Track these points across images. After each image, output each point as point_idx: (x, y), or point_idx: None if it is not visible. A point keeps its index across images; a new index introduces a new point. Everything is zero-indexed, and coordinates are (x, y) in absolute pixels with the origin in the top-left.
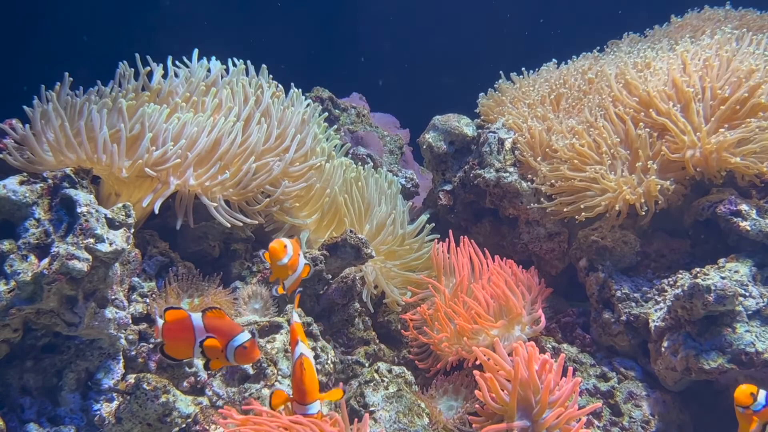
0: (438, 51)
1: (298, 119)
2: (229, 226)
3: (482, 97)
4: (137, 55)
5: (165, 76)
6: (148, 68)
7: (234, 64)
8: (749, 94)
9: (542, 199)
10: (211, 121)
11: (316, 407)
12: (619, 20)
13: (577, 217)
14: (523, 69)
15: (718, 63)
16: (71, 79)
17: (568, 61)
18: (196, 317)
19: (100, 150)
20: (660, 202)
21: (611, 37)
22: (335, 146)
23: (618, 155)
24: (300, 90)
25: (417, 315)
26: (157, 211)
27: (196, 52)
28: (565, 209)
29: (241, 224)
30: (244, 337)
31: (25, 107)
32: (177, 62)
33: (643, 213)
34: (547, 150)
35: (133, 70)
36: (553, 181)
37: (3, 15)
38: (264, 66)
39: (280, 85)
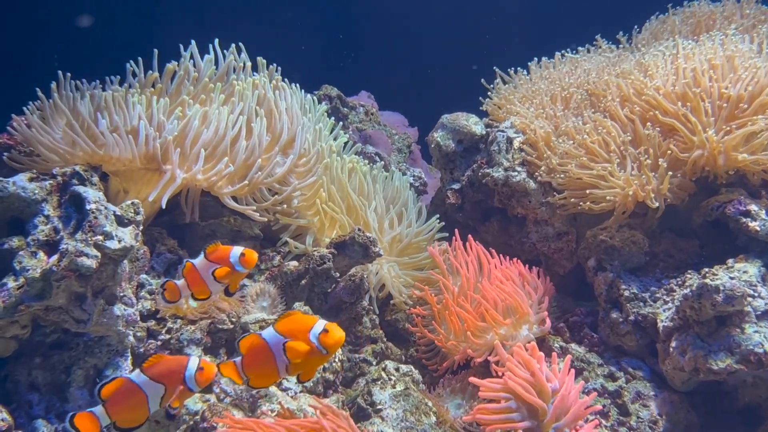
0: (446, 49)
1: (299, 117)
2: (251, 214)
3: (488, 100)
4: (156, 51)
5: (174, 72)
6: (155, 74)
7: (236, 59)
8: (757, 92)
9: (550, 198)
10: (216, 116)
11: None
12: (621, 15)
13: (583, 204)
14: (530, 64)
15: (722, 62)
16: (69, 73)
17: (575, 52)
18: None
19: (110, 143)
20: (668, 199)
21: (617, 30)
22: (345, 144)
23: (627, 153)
24: (298, 85)
25: (426, 311)
26: (164, 206)
27: (210, 51)
28: (572, 200)
29: (253, 210)
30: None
31: (29, 105)
32: (184, 58)
33: (655, 207)
34: (553, 148)
35: (139, 66)
36: (560, 176)
37: (11, 13)
38: (274, 65)
39: (288, 84)
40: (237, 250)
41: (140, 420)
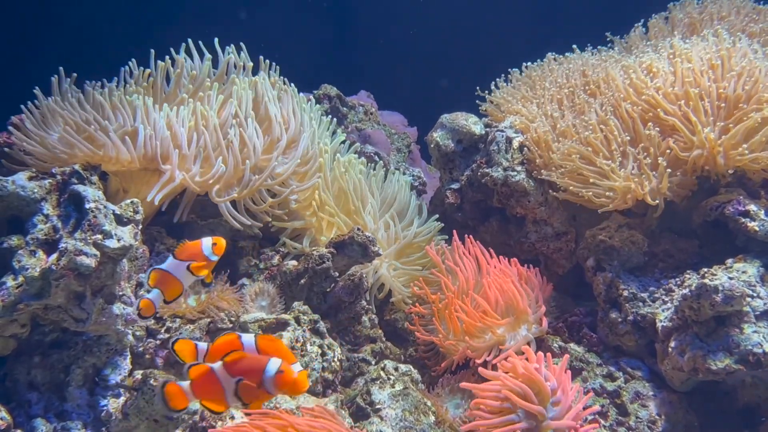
0: (446, 49)
1: (300, 118)
2: (240, 228)
3: (488, 98)
4: (152, 51)
5: (169, 72)
6: (148, 70)
7: (236, 58)
8: (754, 91)
9: (550, 190)
10: (214, 117)
11: None
12: (622, 15)
13: (585, 193)
14: (529, 64)
15: (721, 62)
16: (75, 74)
17: (573, 52)
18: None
19: (108, 145)
20: (668, 197)
21: (618, 30)
22: (343, 144)
23: (628, 153)
24: (293, 84)
25: (426, 310)
26: (156, 202)
27: (211, 50)
28: (571, 188)
29: (248, 224)
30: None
31: (27, 105)
32: (183, 57)
33: (655, 203)
34: (552, 147)
35: (140, 67)
36: (560, 172)
37: (12, 12)
38: (272, 64)
39: (288, 82)
40: (207, 241)
41: (222, 407)
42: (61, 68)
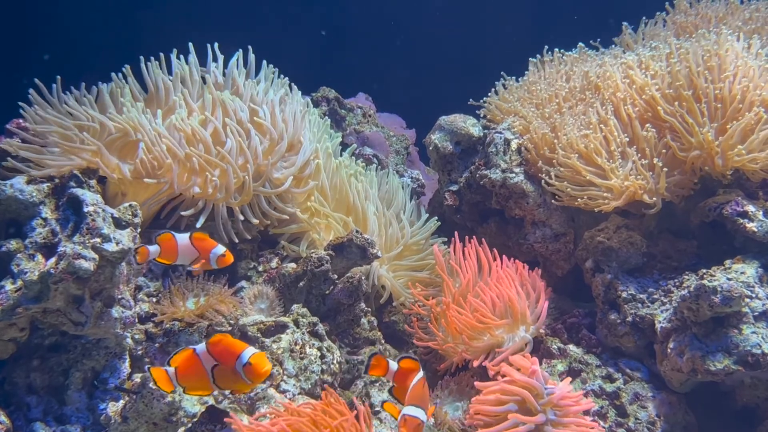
0: (445, 51)
1: (300, 123)
2: (236, 240)
3: (487, 99)
4: (151, 57)
5: (165, 75)
6: (136, 68)
7: (239, 61)
8: (750, 91)
9: (548, 186)
10: (212, 124)
11: None
12: (622, 13)
13: (580, 200)
14: (530, 60)
15: (717, 63)
16: (60, 77)
17: (572, 51)
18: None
19: (106, 156)
20: (666, 198)
21: (617, 30)
22: (341, 146)
23: (626, 153)
24: (285, 80)
25: (425, 311)
26: (150, 211)
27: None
28: (568, 189)
29: (237, 240)
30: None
31: (23, 111)
32: (179, 60)
33: (652, 202)
34: (552, 147)
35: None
36: (560, 168)
37: (8, 12)
38: (269, 65)
39: (288, 82)
40: (219, 250)
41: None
42: (58, 77)
